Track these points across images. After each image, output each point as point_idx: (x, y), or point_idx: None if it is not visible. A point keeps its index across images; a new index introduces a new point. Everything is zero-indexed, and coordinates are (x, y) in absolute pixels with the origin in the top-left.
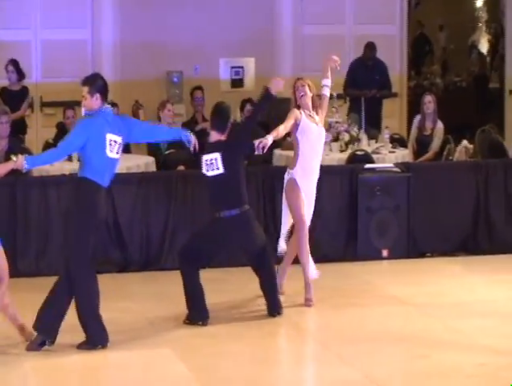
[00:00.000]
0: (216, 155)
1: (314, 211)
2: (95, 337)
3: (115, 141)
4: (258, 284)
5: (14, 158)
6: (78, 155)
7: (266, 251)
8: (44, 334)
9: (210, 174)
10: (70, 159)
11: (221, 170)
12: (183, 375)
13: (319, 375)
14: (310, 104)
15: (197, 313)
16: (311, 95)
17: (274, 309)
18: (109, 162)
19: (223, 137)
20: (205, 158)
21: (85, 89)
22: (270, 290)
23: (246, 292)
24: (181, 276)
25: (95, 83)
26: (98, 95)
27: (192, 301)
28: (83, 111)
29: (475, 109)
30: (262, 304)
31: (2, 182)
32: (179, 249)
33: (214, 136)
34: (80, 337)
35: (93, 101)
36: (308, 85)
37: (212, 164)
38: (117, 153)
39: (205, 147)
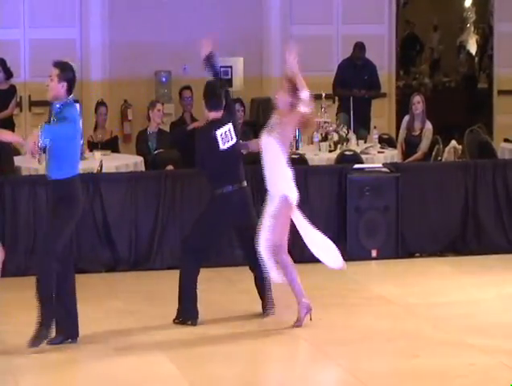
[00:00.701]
0: (229, 126)
1: (304, 211)
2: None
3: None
4: (253, 282)
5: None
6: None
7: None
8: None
9: (226, 146)
10: None
11: (235, 140)
12: (172, 375)
13: (307, 375)
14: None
15: (188, 312)
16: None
17: (267, 308)
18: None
19: (221, 114)
20: (219, 132)
21: (55, 71)
22: (263, 289)
23: (235, 291)
24: (180, 272)
25: (66, 71)
26: (65, 84)
27: (184, 300)
28: (49, 95)
29: (463, 110)
30: (249, 303)
31: None
32: (182, 241)
33: (213, 115)
34: None
35: (59, 88)
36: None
37: (227, 135)
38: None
39: (211, 126)
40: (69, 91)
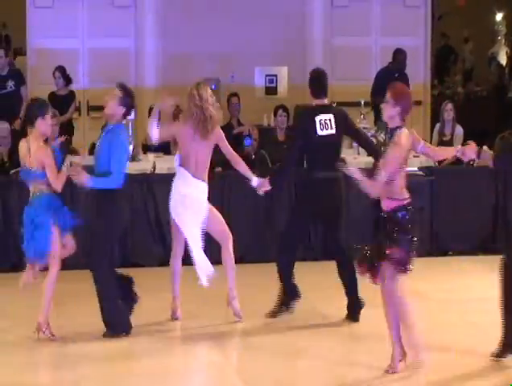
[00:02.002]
0: (330, 116)
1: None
2: (117, 325)
3: None
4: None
5: (68, 164)
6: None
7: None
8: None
9: (324, 133)
10: None
11: (334, 131)
12: (222, 364)
13: (345, 363)
14: None
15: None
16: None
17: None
18: None
19: (325, 102)
20: (319, 118)
21: (118, 93)
22: (351, 286)
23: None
24: (277, 267)
25: (127, 96)
26: (124, 109)
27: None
28: (105, 111)
29: (494, 117)
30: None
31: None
32: (278, 239)
33: (316, 102)
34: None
35: (118, 110)
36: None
37: (327, 123)
38: None
39: (312, 111)
40: (124, 116)
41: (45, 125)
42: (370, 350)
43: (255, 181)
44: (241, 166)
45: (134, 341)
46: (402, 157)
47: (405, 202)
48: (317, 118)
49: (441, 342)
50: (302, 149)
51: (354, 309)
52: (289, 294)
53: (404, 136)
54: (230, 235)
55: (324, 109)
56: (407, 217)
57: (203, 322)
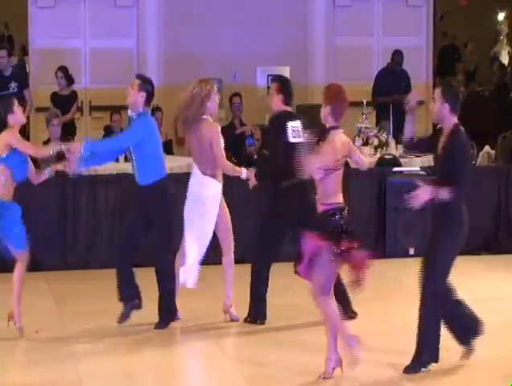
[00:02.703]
0: (298, 122)
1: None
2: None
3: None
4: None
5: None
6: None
7: None
8: None
9: (295, 140)
10: (117, 160)
11: (303, 140)
12: (226, 364)
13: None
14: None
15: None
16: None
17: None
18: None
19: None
20: (290, 124)
21: (137, 82)
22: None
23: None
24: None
25: (146, 83)
26: (144, 94)
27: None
28: (128, 101)
29: (497, 117)
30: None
31: (54, 182)
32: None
33: (285, 108)
34: None
35: (138, 96)
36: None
37: (298, 130)
38: None
39: (283, 116)
40: (146, 102)
41: (14, 118)
42: (372, 346)
43: (244, 173)
44: (225, 169)
45: (135, 339)
46: (335, 157)
47: (332, 206)
48: (289, 124)
49: (445, 342)
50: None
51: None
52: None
53: (338, 137)
54: (232, 239)
55: (293, 116)
56: (331, 224)
57: (203, 320)
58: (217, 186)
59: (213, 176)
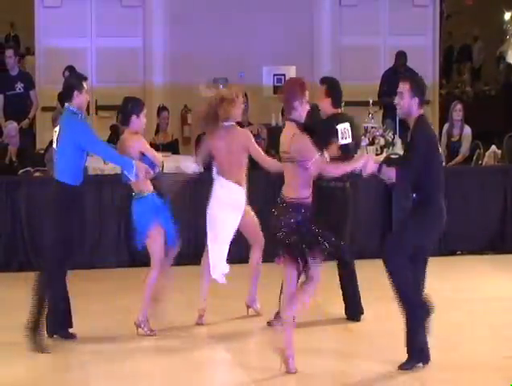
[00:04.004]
0: (347, 125)
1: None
2: None
3: None
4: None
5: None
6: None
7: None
8: None
9: (344, 142)
10: None
11: (350, 140)
12: (229, 364)
13: (354, 363)
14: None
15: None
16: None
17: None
18: None
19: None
20: (340, 126)
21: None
22: (349, 290)
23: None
24: None
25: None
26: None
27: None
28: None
29: (503, 116)
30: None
31: None
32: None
33: (335, 111)
34: None
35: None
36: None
37: (346, 132)
38: None
39: (333, 119)
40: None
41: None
42: (377, 347)
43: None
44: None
45: (142, 340)
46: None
47: (297, 201)
48: (339, 127)
49: (449, 341)
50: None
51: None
52: None
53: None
54: (263, 239)
55: (342, 118)
56: (292, 220)
57: (209, 320)
58: (241, 192)
59: (238, 182)
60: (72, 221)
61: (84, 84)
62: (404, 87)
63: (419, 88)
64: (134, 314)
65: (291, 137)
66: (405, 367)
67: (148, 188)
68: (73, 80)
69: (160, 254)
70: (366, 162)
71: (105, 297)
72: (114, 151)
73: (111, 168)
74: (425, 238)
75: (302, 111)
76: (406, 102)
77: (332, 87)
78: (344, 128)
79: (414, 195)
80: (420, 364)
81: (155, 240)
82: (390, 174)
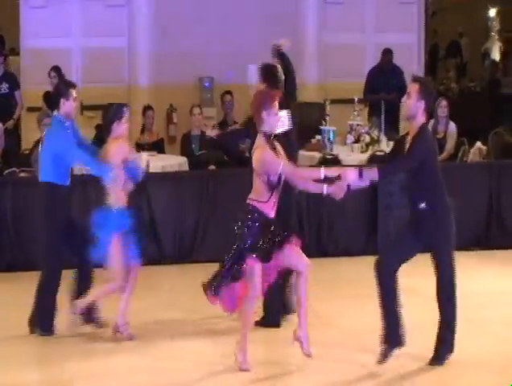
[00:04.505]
0: (284, 113)
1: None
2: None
3: None
4: None
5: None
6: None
7: None
8: None
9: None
10: None
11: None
12: (216, 362)
13: (339, 360)
14: None
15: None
16: None
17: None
18: None
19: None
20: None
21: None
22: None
23: None
24: None
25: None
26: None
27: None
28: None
29: (488, 113)
30: None
31: None
32: None
33: None
34: None
35: None
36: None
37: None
38: None
39: None
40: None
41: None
42: (365, 346)
43: None
44: None
45: (127, 342)
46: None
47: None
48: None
49: (432, 336)
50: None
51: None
52: None
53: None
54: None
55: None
56: (248, 223)
57: (198, 319)
58: None
59: None
60: (62, 221)
61: (73, 92)
62: (413, 87)
63: (427, 92)
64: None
65: (255, 150)
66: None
67: (119, 202)
68: (60, 87)
69: (121, 270)
70: (344, 173)
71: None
72: (92, 159)
73: None
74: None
75: (272, 122)
76: (412, 103)
77: (267, 72)
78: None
79: (422, 205)
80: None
81: (114, 256)
82: (372, 175)
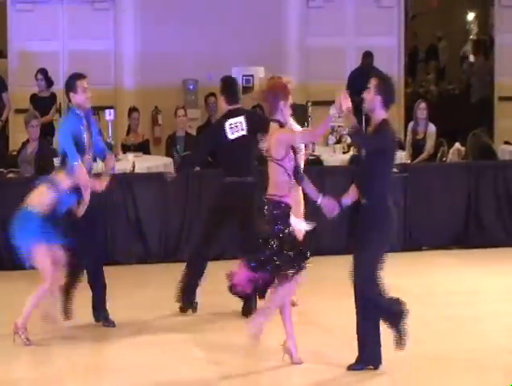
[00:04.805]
0: (241, 118)
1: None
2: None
3: None
4: None
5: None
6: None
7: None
8: None
9: (234, 136)
10: (95, 160)
11: (245, 133)
12: (198, 357)
13: (322, 360)
14: None
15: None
16: None
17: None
18: None
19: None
20: (228, 122)
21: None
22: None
23: None
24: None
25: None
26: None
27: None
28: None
29: (466, 115)
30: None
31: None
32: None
33: (228, 108)
34: None
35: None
36: None
37: (237, 126)
38: None
39: (223, 116)
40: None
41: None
42: (347, 344)
43: None
44: None
45: (115, 339)
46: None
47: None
48: (227, 123)
49: (418, 336)
50: (215, 154)
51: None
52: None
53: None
54: None
55: (235, 113)
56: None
57: (184, 317)
58: None
59: None
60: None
61: (80, 83)
62: (372, 82)
63: (384, 88)
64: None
65: (269, 137)
66: (355, 367)
67: (44, 207)
68: (68, 82)
69: (49, 270)
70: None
71: (76, 294)
72: (73, 153)
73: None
74: (387, 244)
75: (286, 112)
76: (370, 97)
77: (225, 85)
78: (233, 122)
79: (364, 201)
80: (371, 366)
81: (40, 259)
82: (352, 120)
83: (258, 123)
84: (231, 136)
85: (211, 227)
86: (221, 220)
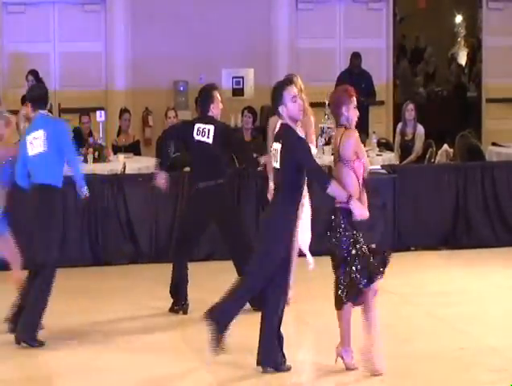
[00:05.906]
0: (211, 126)
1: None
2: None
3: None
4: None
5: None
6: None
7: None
8: None
9: (199, 138)
10: (86, 160)
11: (210, 141)
12: (189, 358)
13: (307, 362)
14: None
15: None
16: None
17: None
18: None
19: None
20: (198, 125)
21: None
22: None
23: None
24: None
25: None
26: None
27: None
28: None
29: (455, 116)
30: None
31: None
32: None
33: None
34: None
35: None
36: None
37: (204, 132)
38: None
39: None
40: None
41: None
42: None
43: None
44: None
45: (106, 339)
46: None
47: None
48: (196, 125)
49: (406, 335)
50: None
51: None
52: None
53: None
54: None
55: (206, 120)
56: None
57: (174, 317)
58: None
59: None
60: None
61: None
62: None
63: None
64: (101, 313)
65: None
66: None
67: None
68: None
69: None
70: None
71: (69, 295)
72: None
73: None
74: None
75: (351, 115)
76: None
77: (198, 95)
78: (201, 127)
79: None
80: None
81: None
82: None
83: (227, 137)
84: (197, 137)
85: (187, 232)
86: (197, 225)
